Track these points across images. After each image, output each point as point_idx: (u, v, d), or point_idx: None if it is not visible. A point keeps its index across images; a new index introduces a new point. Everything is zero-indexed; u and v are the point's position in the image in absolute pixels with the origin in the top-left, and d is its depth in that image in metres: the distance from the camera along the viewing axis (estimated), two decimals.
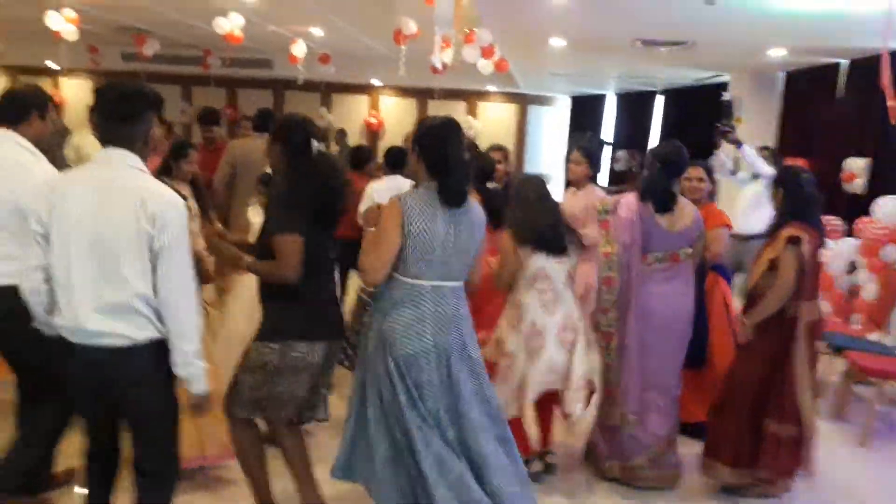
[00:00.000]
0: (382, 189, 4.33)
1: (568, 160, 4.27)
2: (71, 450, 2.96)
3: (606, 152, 11.45)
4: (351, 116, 13.14)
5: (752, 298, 3.38)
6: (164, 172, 3.71)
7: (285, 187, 2.67)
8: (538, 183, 3.54)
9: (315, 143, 2.69)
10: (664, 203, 3.40)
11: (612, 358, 3.44)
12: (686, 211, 3.47)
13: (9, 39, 10.11)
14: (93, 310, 2.12)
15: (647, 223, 3.40)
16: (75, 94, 13.71)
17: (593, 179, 4.26)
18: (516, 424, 3.43)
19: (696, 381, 3.83)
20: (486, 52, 6.15)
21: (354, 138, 12.76)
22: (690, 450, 3.76)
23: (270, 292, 2.68)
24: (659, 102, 11.32)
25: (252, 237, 3.27)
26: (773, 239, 3.33)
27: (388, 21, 6.98)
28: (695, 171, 3.97)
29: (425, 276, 2.60)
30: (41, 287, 2.23)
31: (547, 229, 3.35)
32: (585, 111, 12.96)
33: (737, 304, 4.10)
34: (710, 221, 3.78)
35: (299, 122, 2.77)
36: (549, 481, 3.51)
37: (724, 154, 5.89)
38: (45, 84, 13.43)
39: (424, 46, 6.66)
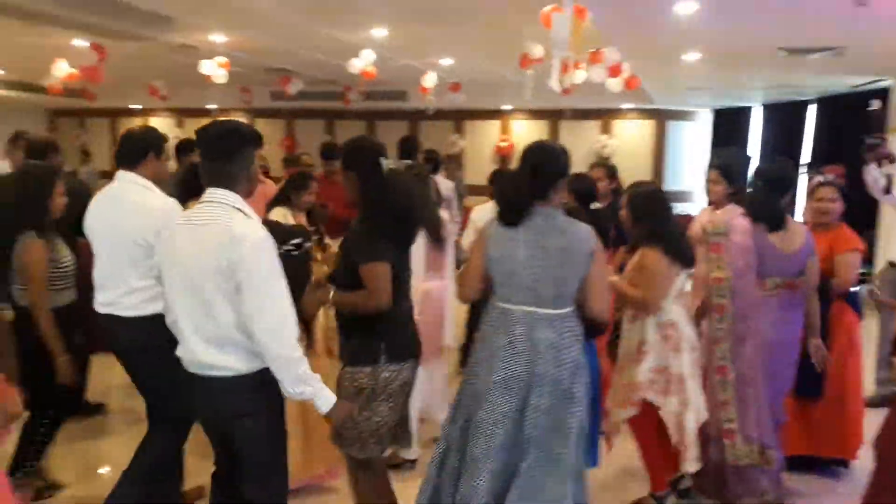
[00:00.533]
0: (485, 212, 4.26)
1: (707, 179, 4.05)
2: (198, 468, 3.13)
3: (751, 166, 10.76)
4: (483, 141, 13.28)
5: None
6: (283, 202, 3.88)
7: (364, 214, 2.63)
8: (664, 193, 3.39)
9: (385, 162, 2.64)
10: (775, 221, 3.21)
11: (730, 392, 3.20)
12: (798, 230, 3.29)
13: (172, 85, 11.14)
14: (200, 342, 2.21)
15: (760, 245, 3.21)
16: None
17: (734, 198, 3.98)
18: (663, 454, 3.27)
19: (806, 413, 3.58)
20: (613, 71, 5.97)
21: (486, 163, 12.87)
22: (798, 486, 3.56)
23: (352, 317, 2.66)
24: (811, 112, 10.50)
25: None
26: None
27: (514, 47, 6.98)
28: (825, 191, 3.69)
29: (514, 300, 2.65)
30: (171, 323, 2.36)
31: (687, 242, 3.25)
32: (729, 124, 12.28)
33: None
34: (840, 245, 3.52)
35: (366, 145, 2.74)
36: None
37: (875, 171, 5.30)
38: (204, 123, 14.70)
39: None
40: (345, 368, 2.68)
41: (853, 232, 3.70)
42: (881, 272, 5.24)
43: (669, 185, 12.30)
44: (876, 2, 4.55)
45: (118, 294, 2.89)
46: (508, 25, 6.24)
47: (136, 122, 15.66)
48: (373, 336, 2.60)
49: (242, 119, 14.62)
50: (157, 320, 2.48)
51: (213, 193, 2.24)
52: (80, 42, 7.51)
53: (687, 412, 3.08)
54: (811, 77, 8.29)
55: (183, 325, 2.25)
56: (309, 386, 2.22)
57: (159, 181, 3.03)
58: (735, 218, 3.34)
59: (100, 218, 2.97)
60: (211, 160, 2.25)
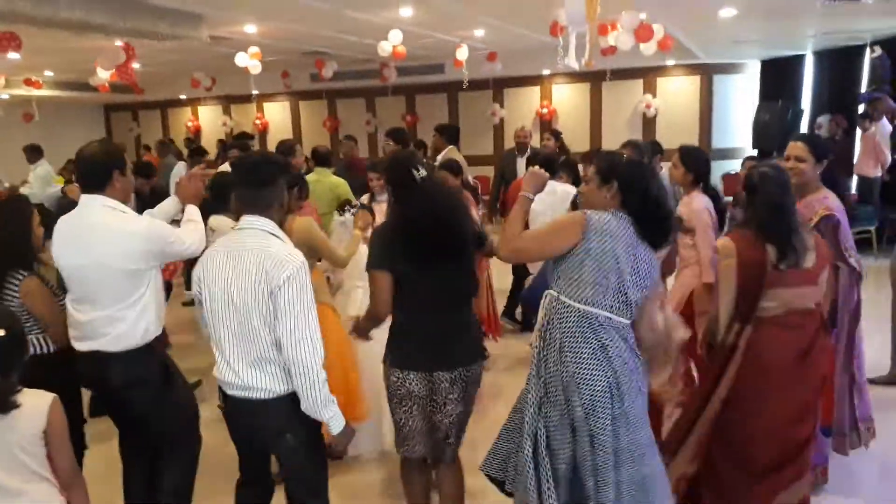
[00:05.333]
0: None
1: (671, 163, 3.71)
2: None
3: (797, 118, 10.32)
4: (523, 109, 13.06)
5: None
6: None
7: (388, 221, 2.75)
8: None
9: (417, 172, 2.68)
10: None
11: None
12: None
13: (214, 74, 11.37)
14: (244, 365, 2.33)
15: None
16: (274, 114, 15.18)
17: (697, 184, 3.61)
18: None
19: None
20: (642, 36, 5.76)
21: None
22: None
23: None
24: (868, 57, 9.91)
25: None
26: None
27: (545, 13, 6.85)
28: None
29: (600, 303, 2.35)
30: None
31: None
32: (779, 75, 11.71)
33: None
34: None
35: (400, 160, 2.86)
36: None
37: (887, 126, 4.72)
38: (250, 109, 14.99)
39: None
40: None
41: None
42: None
43: (717, 142, 11.93)
44: None
45: (101, 327, 2.65)
46: None
47: (186, 112, 16.08)
48: (390, 340, 2.76)
49: (285, 102, 14.88)
50: (149, 351, 2.54)
51: (248, 220, 2.37)
52: (121, 43, 7.74)
53: None
54: (866, 21, 7.83)
55: (227, 350, 2.35)
56: (326, 408, 2.31)
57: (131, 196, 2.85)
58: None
59: (72, 248, 2.65)
60: (247, 187, 2.39)
